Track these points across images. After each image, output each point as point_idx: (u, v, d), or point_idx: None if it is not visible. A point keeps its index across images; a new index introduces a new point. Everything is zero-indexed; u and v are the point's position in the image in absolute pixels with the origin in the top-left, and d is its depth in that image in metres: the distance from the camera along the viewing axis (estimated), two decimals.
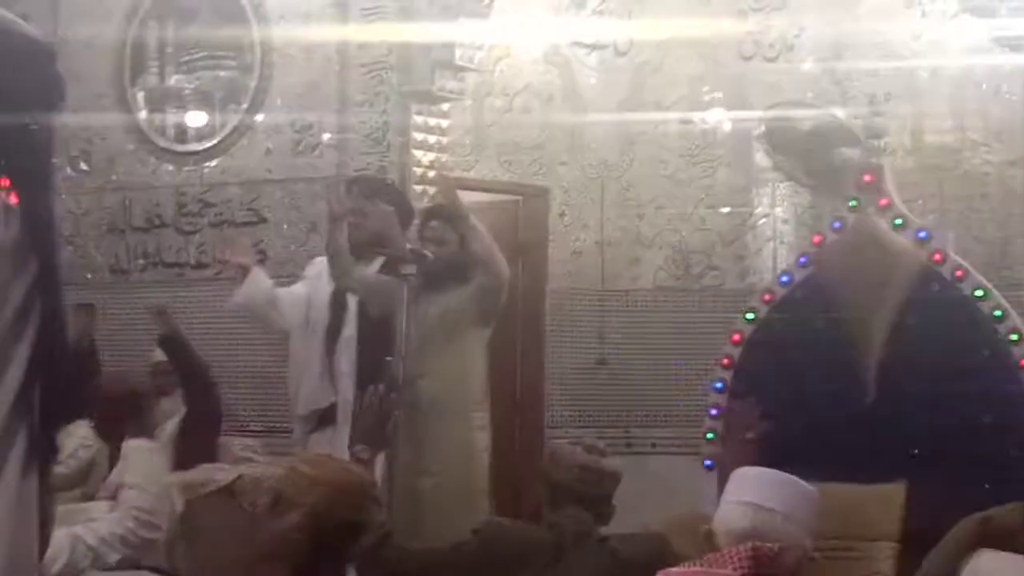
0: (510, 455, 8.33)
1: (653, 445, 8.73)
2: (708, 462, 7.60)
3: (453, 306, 6.69)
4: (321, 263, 7.37)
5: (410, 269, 6.53)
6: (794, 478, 3.96)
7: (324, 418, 7.30)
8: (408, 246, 6.84)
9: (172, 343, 7.59)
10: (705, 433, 7.70)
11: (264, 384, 8.54)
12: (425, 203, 8.15)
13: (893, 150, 8.50)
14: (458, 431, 6.71)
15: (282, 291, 7.57)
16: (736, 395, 7.69)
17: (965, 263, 7.36)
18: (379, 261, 7.15)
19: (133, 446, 6.13)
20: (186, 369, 7.58)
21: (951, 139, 8.43)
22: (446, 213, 6.94)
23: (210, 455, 6.94)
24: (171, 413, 7.51)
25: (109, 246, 9.39)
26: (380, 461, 6.75)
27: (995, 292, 7.19)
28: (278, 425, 8.05)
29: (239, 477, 2.94)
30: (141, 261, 9.30)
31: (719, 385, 7.80)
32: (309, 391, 7.38)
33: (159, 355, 7.80)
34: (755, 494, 3.87)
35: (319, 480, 2.93)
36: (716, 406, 7.77)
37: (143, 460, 6.06)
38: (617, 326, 9.24)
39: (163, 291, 9.09)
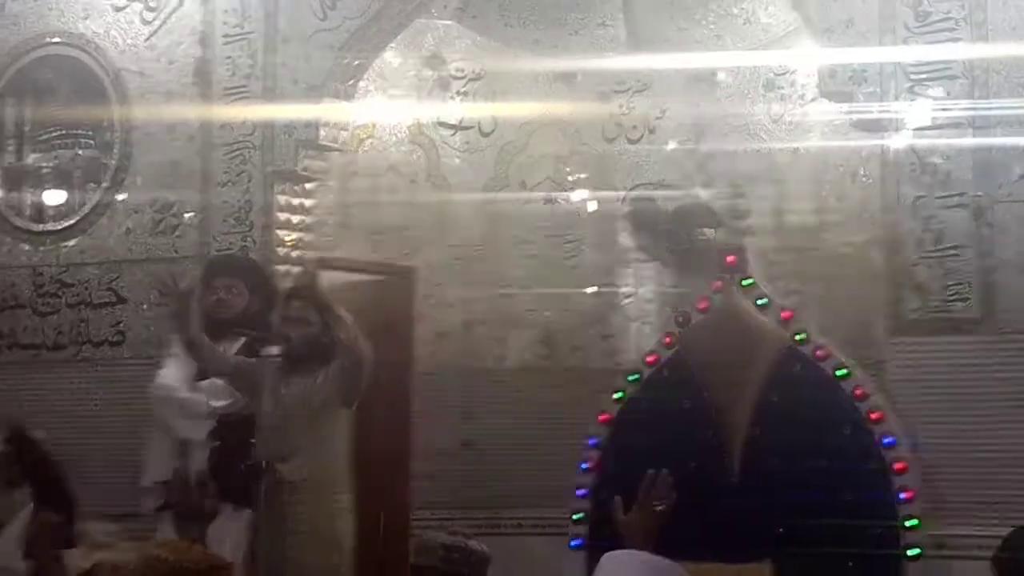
0: (375, 538, 8.22)
1: (519, 526, 8.67)
2: (575, 542, 7.58)
3: (315, 387, 6.62)
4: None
5: (272, 351, 6.47)
6: (666, 560, 3.93)
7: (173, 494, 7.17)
8: (272, 328, 6.77)
9: (19, 440, 7.37)
10: (572, 513, 7.68)
11: (122, 467, 8.35)
12: (288, 283, 8.08)
13: (755, 231, 8.62)
14: (321, 514, 6.61)
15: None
16: (602, 475, 7.69)
17: (826, 343, 7.45)
18: (240, 342, 7.06)
19: None
20: (32, 468, 7.37)
21: (811, 220, 8.55)
22: (307, 293, 6.88)
23: (66, 543, 6.75)
24: (20, 505, 7.26)
25: None
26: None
27: (856, 371, 7.28)
28: (137, 509, 7.86)
29: (96, 564, 2.87)
30: None
31: (585, 465, 7.80)
32: (156, 463, 7.24)
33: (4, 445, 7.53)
34: None
35: (178, 567, 2.87)
36: (583, 486, 7.76)
37: None
38: (483, 406, 9.20)
39: (18, 373, 8.90)
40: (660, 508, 3.85)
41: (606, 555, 3.92)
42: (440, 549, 4.70)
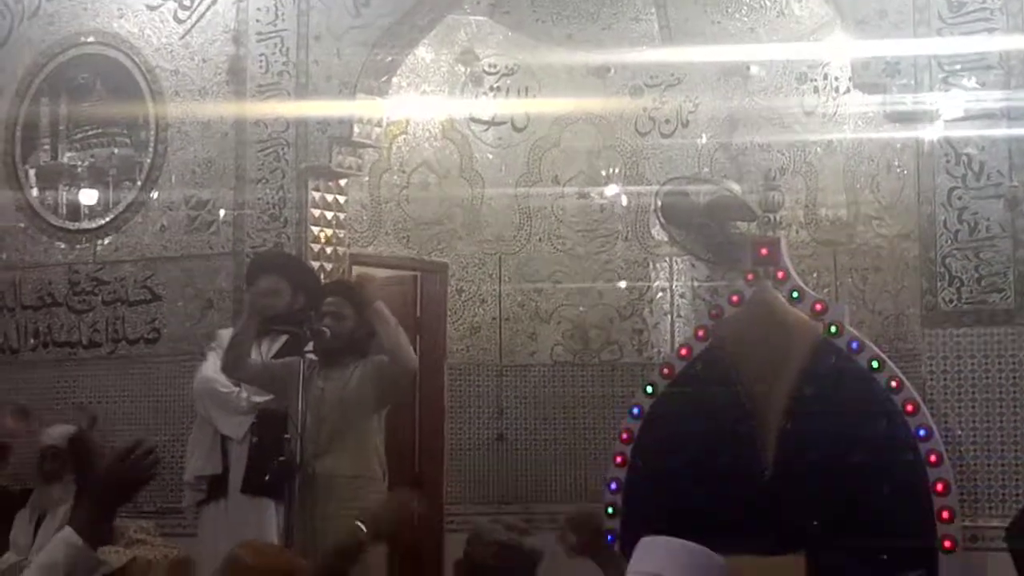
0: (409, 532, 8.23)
1: (553, 520, 8.65)
2: (609, 537, 7.57)
3: (352, 386, 6.61)
4: (228, 334, 7.26)
5: (310, 347, 6.48)
6: (703, 548, 3.91)
7: (215, 489, 7.19)
8: (307, 323, 6.78)
9: (81, 444, 7.41)
10: (605, 507, 7.68)
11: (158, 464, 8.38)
12: (323, 279, 8.11)
13: (788, 224, 8.62)
14: (355, 510, 6.60)
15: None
16: (635, 469, 7.69)
17: (860, 335, 7.43)
18: (282, 339, 7.08)
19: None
20: (85, 470, 7.41)
21: (844, 213, 8.54)
22: (343, 289, 6.89)
23: (102, 540, 6.79)
24: (60, 500, 7.30)
25: None
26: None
27: (890, 363, 7.26)
28: (173, 506, 7.90)
29: (132, 560, 2.89)
30: (32, 340, 9.14)
31: (619, 459, 7.80)
32: (198, 458, 7.27)
33: (49, 439, 7.56)
34: (662, 564, 3.81)
35: (259, 569, 2.89)
36: (615, 480, 7.76)
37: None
38: (515, 401, 9.21)
39: (54, 371, 8.94)
40: None
41: (643, 539, 3.91)
42: (494, 546, 4.68)
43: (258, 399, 7.08)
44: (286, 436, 6.42)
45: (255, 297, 6.98)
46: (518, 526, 4.79)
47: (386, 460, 6.80)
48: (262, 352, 7.08)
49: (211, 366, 7.29)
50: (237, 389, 7.14)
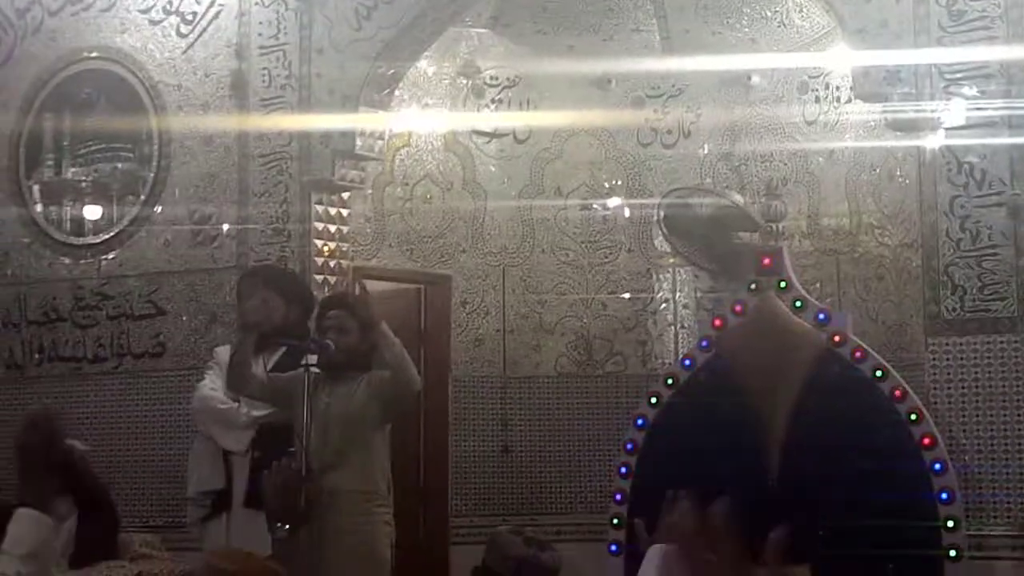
0: (414, 545, 8.25)
1: (558, 532, 8.68)
2: (614, 547, 7.58)
3: (357, 402, 6.60)
4: (227, 351, 7.28)
5: (312, 360, 6.48)
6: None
7: (218, 504, 7.19)
8: (311, 337, 6.79)
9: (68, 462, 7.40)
10: (611, 518, 7.68)
11: (163, 478, 8.42)
12: (326, 292, 8.12)
13: (790, 234, 8.63)
14: (361, 528, 6.59)
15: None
16: (640, 480, 7.69)
17: (864, 344, 7.43)
18: (280, 351, 7.08)
19: (24, 513, 5.94)
20: (79, 487, 7.40)
21: (847, 222, 8.54)
22: (346, 302, 6.90)
23: (109, 553, 6.79)
24: (65, 515, 7.30)
25: (3, 341, 9.24)
26: None
27: (894, 372, 7.26)
28: (178, 519, 7.90)
29: (138, 574, 2.89)
30: (37, 356, 9.15)
31: (623, 470, 7.80)
32: (201, 473, 7.27)
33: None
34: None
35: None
36: (620, 491, 7.76)
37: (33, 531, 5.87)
38: (520, 413, 9.22)
39: (59, 386, 8.95)
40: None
41: (652, 547, 3.91)
42: (512, 561, 4.68)
43: (258, 413, 7.08)
44: (291, 449, 6.42)
45: (248, 313, 6.98)
46: (538, 539, 4.80)
47: (391, 474, 6.80)
48: (263, 365, 7.09)
49: (209, 384, 7.29)
50: (236, 404, 7.14)
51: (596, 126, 9.36)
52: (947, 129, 7.18)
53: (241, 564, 2.94)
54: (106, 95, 9.14)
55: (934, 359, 7.15)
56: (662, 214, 9.18)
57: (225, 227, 8.64)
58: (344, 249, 8.54)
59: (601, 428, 8.99)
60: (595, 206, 9.41)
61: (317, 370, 6.55)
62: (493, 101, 9.39)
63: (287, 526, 4.46)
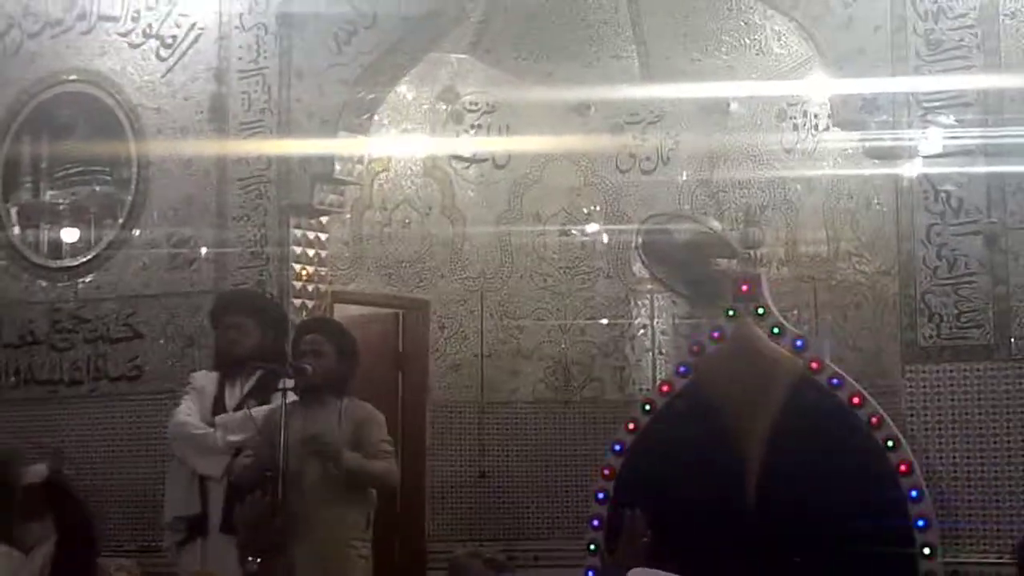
0: (391, 570, 8.22)
1: (535, 558, 8.67)
2: (590, 573, 7.56)
3: (337, 440, 6.57)
4: (203, 376, 7.27)
5: (289, 384, 6.46)
6: None
7: (194, 529, 7.15)
8: (289, 360, 6.78)
9: (55, 486, 7.36)
10: (588, 544, 7.67)
11: (139, 503, 8.38)
12: (303, 316, 8.12)
13: (768, 260, 8.64)
14: (336, 560, 6.56)
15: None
16: (619, 505, 7.67)
17: (841, 371, 7.44)
18: (256, 375, 7.07)
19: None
20: (62, 512, 7.36)
21: (824, 249, 8.56)
22: (321, 326, 6.89)
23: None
24: (42, 538, 7.26)
25: None
26: None
27: (870, 399, 7.27)
28: (153, 544, 7.87)
29: None
30: (13, 379, 9.12)
31: (601, 495, 7.79)
32: (177, 497, 7.24)
33: (29, 477, 7.52)
34: None
35: None
36: (597, 517, 7.75)
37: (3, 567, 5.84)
38: (497, 438, 9.21)
39: (35, 409, 8.92)
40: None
41: (631, 571, 3.92)
42: None
43: (233, 439, 7.06)
44: (268, 473, 6.40)
45: (221, 340, 6.97)
46: (496, 560, 4.79)
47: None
48: (240, 390, 7.08)
49: (185, 409, 7.26)
50: (211, 430, 7.12)
51: (575, 152, 9.38)
52: (924, 157, 7.21)
53: None
54: (85, 118, 9.13)
55: (911, 386, 7.17)
56: (640, 240, 9.21)
57: (203, 251, 8.63)
58: (322, 273, 8.53)
59: (579, 453, 8.99)
60: (574, 232, 9.42)
61: (294, 395, 6.55)
62: (472, 127, 9.40)
63: (259, 560, 4.44)
